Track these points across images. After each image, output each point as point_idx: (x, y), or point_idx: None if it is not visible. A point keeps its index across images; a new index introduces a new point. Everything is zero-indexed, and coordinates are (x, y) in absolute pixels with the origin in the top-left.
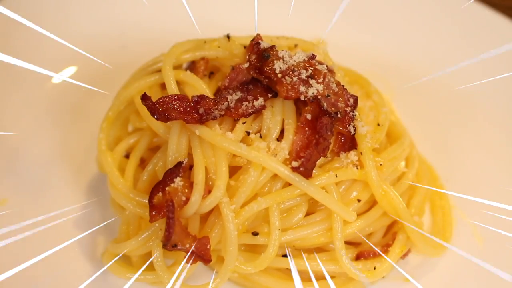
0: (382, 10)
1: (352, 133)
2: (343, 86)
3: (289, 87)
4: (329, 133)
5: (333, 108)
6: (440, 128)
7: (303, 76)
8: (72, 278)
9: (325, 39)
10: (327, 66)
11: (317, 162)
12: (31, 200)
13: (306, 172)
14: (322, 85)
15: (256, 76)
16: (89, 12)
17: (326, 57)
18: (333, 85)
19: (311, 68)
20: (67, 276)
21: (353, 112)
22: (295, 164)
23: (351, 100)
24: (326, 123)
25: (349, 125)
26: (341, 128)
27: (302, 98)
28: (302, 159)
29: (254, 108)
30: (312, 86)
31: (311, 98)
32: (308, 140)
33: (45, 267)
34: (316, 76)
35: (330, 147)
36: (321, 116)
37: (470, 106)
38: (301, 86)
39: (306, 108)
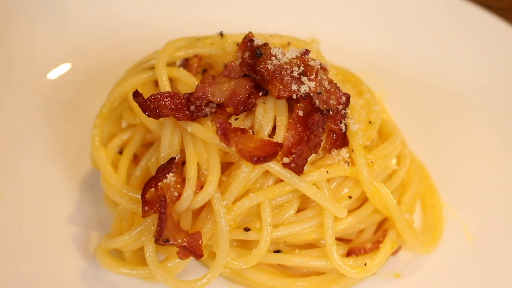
0: (376, 9)
1: (343, 131)
2: (336, 84)
3: (281, 87)
4: (320, 130)
5: (325, 106)
6: (432, 127)
7: (295, 74)
8: (65, 272)
9: (318, 37)
10: (320, 63)
11: (308, 159)
12: (25, 195)
13: (297, 168)
14: (314, 82)
15: (249, 73)
16: (84, 9)
17: (319, 55)
18: (326, 83)
19: (303, 64)
20: (60, 270)
21: (345, 110)
22: (286, 160)
23: (343, 98)
24: (318, 120)
25: (340, 123)
26: (332, 126)
27: (294, 96)
28: (294, 155)
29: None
30: (304, 84)
31: (304, 95)
32: (299, 137)
33: (39, 261)
34: (308, 73)
35: (322, 144)
36: (313, 113)
37: (461, 105)
38: (293, 85)
39: (298, 105)
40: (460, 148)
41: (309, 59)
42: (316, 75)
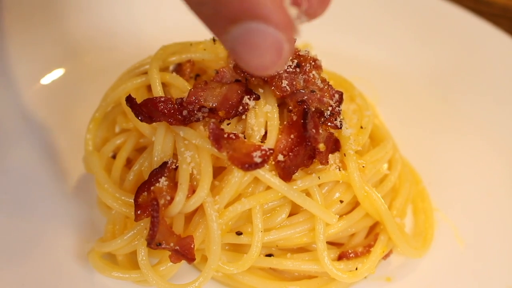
0: (368, 14)
1: (339, 127)
2: (328, 82)
3: (282, 86)
4: (315, 134)
5: (318, 106)
6: (424, 132)
7: (291, 68)
8: (58, 276)
9: (310, 42)
10: (313, 59)
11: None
12: (18, 199)
13: (287, 170)
14: (310, 74)
15: (243, 75)
16: (77, 15)
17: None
18: (319, 81)
19: (294, 55)
20: (53, 274)
21: (339, 107)
22: (280, 157)
23: (337, 96)
24: (314, 124)
25: (335, 120)
26: (329, 124)
27: (291, 104)
28: (290, 154)
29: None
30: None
31: (299, 101)
32: (292, 141)
33: (32, 265)
34: (303, 64)
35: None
36: (307, 116)
37: (453, 111)
38: (294, 79)
39: (294, 109)
40: (452, 153)
41: (298, 49)
42: (310, 63)
